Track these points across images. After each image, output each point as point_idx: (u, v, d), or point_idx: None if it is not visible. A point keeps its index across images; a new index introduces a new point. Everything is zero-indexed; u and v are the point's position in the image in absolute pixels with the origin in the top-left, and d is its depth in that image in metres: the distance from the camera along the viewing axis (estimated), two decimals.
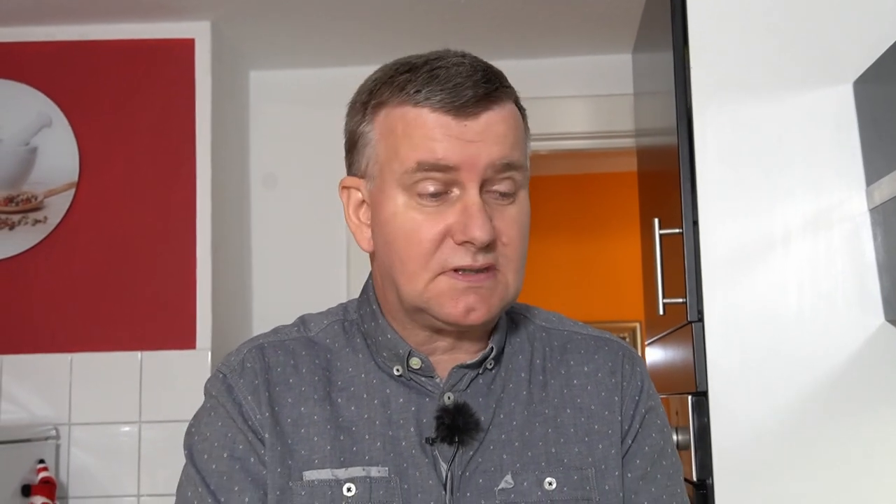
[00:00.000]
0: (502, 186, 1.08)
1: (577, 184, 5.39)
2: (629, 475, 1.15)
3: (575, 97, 3.21)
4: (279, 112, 3.25)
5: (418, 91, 1.06)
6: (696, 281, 1.85)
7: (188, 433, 1.16)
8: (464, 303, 1.06)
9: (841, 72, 1.83)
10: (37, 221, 2.79)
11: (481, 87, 1.06)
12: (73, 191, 2.81)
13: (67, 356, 2.76)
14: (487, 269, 1.06)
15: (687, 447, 1.88)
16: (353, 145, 1.14)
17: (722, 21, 1.88)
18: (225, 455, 1.11)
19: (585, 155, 4.41)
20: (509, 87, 1.11)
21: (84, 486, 2.71)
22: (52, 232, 2.79)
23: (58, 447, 2.70)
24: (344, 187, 1.17)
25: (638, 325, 5.29)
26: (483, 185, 1.06)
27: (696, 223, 1.85)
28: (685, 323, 1.90)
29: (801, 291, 1.80)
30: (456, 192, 1.06)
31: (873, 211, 1.77)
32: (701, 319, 1.84)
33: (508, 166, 1.07)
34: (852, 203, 1.81)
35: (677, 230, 1.92)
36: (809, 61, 1.85)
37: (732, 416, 1.79)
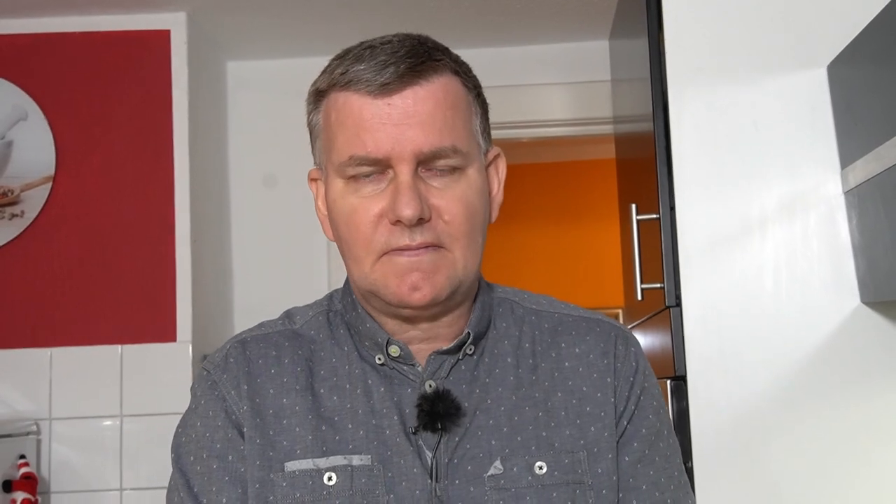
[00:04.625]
0: (441, 166, 1.06)
1: (557, 171, 5.40)
2: (626, 458, 1.14)
3: (553, 84, 3.21)
4: (257, 102, 3.23)
5: (344, 73, 1.06)
6: (673, 266, 1.86)
7: (175, 436, 1.16)
8: (408, 281, 1.06)
9: (815, 55, 1.84)
10: (14, 216, 2.77)
11: (404, 63, 1.04)
12: (50, 184, 2.79)
13: (47, 350, 2.74)
14: (428, 246, 1.06)
15: None
16: (311, 137, 1.15)
17: (696, 7, 1.88)
18: (204, 455, 1.11)
19: (565, 142, 4.41)
20: (442, 59, 1.08)
21: (66, 481, 2.70)
22: (29, 226, 2.78)
23: (39, 442, 2.69)
24: (311, 179, 1.18)
25: (620, 311, 5.30)
26: (419, 165, 1.06)
27: (672, 208, 1.86)
28: (663, 308, 1.91)
29: (778, 275, 1.81)
30: (391, 173, 1.06)
31: (848, 194, 1.78)
32: (679, 304, 1.84)
33: (437, 154, 1.05)
34: (827, 186, 1.82)
35: (654, 216, 1.93)
36: (783, 45, 1.85)
37: (711, 400, 1.80)
